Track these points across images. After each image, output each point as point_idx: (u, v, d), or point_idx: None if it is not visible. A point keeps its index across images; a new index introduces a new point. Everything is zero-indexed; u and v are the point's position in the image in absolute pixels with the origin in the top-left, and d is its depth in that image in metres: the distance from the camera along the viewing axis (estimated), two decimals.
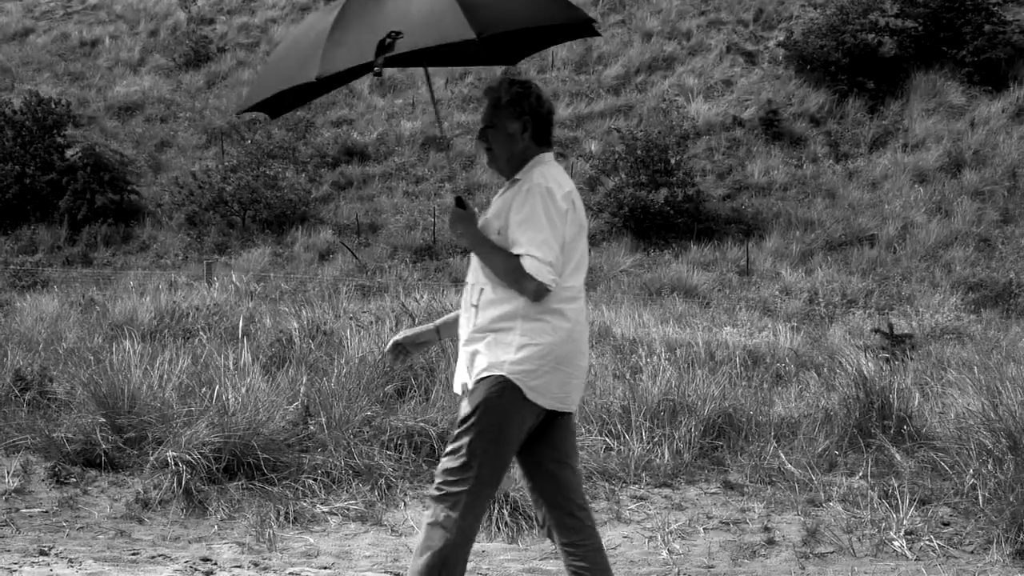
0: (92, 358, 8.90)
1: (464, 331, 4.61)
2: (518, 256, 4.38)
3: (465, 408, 4.50)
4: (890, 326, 12.48)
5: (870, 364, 8.97)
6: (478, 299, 4.55)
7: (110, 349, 9.10)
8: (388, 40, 4.22)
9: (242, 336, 11.05)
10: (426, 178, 29.28)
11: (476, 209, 4.74)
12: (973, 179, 26.36)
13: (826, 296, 21.60)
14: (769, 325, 17.14)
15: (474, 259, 4.60)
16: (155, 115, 33.01)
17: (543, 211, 4.40)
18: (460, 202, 4.59)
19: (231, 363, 8.99)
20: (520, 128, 4.58)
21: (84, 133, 30.50)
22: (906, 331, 14.03)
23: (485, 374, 4.46)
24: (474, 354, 4.52)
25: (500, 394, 4.43)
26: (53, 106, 29.27)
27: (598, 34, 5.24)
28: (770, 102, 30.12)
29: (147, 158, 30.57)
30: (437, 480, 4.52)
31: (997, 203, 25.51)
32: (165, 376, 8.41)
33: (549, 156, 4.65)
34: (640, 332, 13.57)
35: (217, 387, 8.09)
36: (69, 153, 28.27)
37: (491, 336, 4.47)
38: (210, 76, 34.86)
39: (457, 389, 4.66)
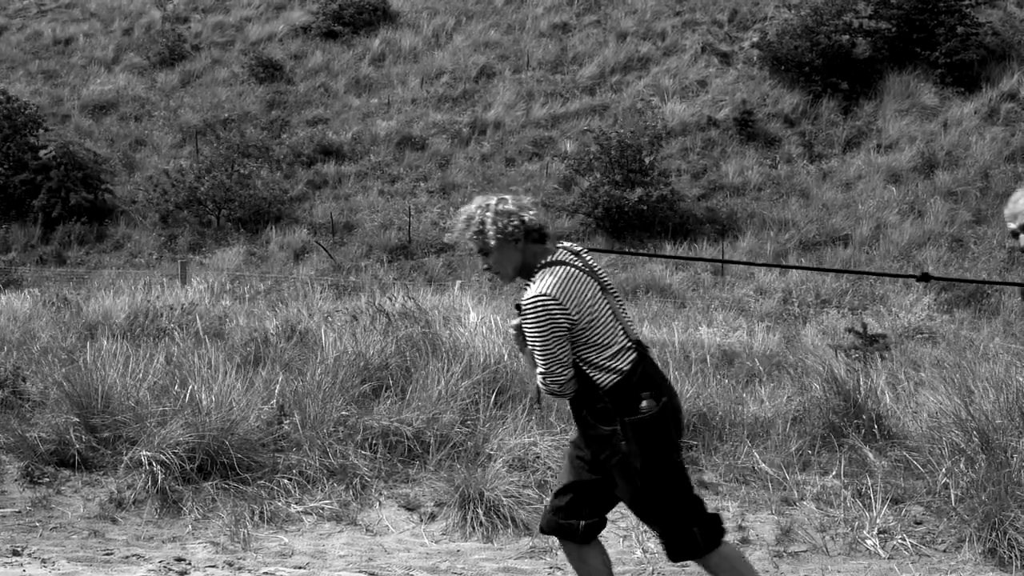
0: (66, 357, 8.84)
1: None
2: None
3: None
4: (863, 326, 12.51)
5: (843, 364, 8.99)
6: None
7: (84, 348, 9.05)
8: None
9: (204, 334, 11.00)
10: (401, 177, 29.24)
11: None
12: (946, 180, 26.54)
13: (800, 296, 21.69)
14: (743, 325, 17.20)
15: None
16: (129, 114, 32.87)
17: None
18: None
19: (205, 362, 8.94)
20: None
21: (58, 132, 30.36)
22: (879, 331, 14.08)
23: None
24: None
25: None
26: (24, 108, 29.18)
27: None
28: (744, 102, 30.25)
29: (121, 157, 30.43)
30: None
31: (969, 203, 25.69)
32: (139, 375, 8.37)
33: None
34: None
35: (191, 386, 8.05)
36: (43, 152, 28.14)
37: None
38: (184, 75, 34.74)
39: None
